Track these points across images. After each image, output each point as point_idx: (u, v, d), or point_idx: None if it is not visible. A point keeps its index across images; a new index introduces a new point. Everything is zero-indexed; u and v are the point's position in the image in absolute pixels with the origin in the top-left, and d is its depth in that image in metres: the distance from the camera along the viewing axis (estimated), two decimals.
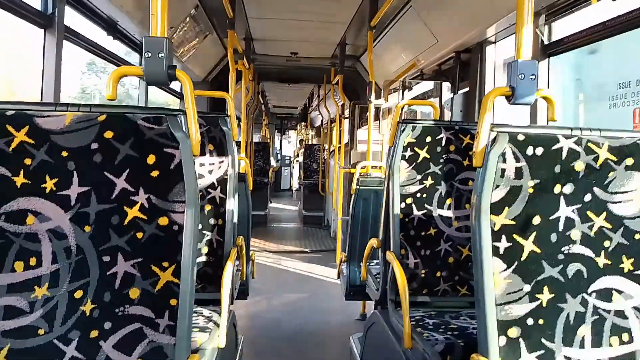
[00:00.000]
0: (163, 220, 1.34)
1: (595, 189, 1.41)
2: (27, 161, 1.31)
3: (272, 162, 14.84)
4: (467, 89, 4.31)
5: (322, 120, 11.16)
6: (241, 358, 3.01)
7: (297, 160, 14.14)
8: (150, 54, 1.36)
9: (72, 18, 3.19)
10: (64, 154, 1.33)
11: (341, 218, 5.69)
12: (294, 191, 15.62)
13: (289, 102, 14.14)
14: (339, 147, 6.92)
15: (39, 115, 1.33)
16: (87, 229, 1.32)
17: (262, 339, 3.90)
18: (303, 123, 16.27)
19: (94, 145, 1.33)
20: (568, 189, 1.40)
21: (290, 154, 18.36)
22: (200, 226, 2.35)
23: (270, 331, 4.09)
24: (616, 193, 1.42)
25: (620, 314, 1.40)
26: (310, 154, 11.18)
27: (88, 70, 9.80)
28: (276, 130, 18.31)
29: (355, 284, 3.40)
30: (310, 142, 14.20)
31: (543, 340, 1.35)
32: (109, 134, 1.33)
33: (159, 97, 6.67)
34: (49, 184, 1.32)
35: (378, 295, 2.59)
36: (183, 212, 1.34)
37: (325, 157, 9.91)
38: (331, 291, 5.17)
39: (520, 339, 1.34)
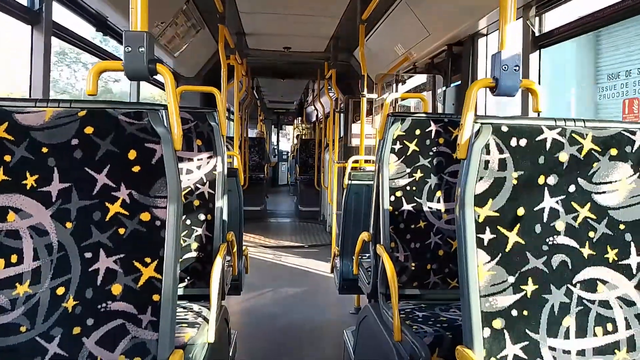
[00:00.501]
0: (145, 216, 1.33)
1: (580, 180, 1.41)
2: (7, 158, 1.30)
3: (271, 157, 14.84)
4: (459, 82, 4.30)
5: (317, 115, 11.15)
6: (234, 353, 3.02)
7: (293, 156, 14.13)
8: (130, 49, 1.35)
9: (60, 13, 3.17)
10: (44, 150, 1.32)
11: (336, 212, 5.69)
12: (290, 186, 15.62)
13: (284, 97, 14.11)
14: (334, 141, 6.91)
15: (19, 111, 1.32)
16: (69, 225, 1.32)
17: (256, 334, 3.90)
18: (299, 118, 16.26)
19: (75, 141, 1.32)
20: (552, 180, 1.39)
21: (287, 149, 18.35)
22: (188, 222, 2.35)
23: (265, 326, 4.09)
24: (600, 183, 1.41)
25: (605, 304, 1.40)
26: (306, 148, 11.17)
27: (59, 61, 8.86)
28: (272, 126, 18.29)
29: (349, 278, 3.40)
30: (307, 137, 14.19)
31: (527, 331, 1.35)
32: (89, 130, 1.32)
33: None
34: (30, 181, 1.31)
35: (369, 289, 2.59)
36: (165, 208, 1.33)
37: (321, 152, 9.91)
38: (326, 285, 5.17)
39: (505, 330, 1.34)
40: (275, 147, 18.16)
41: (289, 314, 4.41)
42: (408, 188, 2.35)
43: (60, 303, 1.30)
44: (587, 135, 1.40)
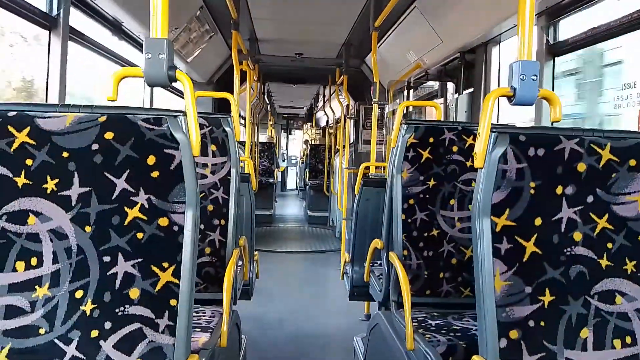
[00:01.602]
0: (163, 221, 1.34)
1: (598, 190, 1.40)
2: (28, 162, 1.32)
3: (280, 162, 14.87)
4: (471, 90, 4.30)
5: (327, 121, 11.17)
6: (245, 358, 3.02)
7: (303, 161, 14.17)
8: (150, 55, 1.36)
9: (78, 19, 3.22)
10: (65, 154, 1.33)
11: (345, 219, 5.68)
12: (299, 191, 15.66)
13: (294, 103, 14.15)
14: (344, 147, 6.92)
15: (40, 116, 1.33)
16: (88, 229, 1.33)
17: (265, 340, 3.90)
18: (309, 123, 16.29)
19: (95, 146, 1.34)
20: (570, 190, 1.39)
21: (297, 154, 18.39)
22: (202, 226, 2.36)
23: (274, 332, 4.09)
24: (619, 194, 1.40)
25: (624, 316, 1.39)
26: (316, 154, 11.19)
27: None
28: (282, 131, 18.33)
29: (359, 285, 3.39)
30: (316, 143, 14.22)
31: (544, 343, 1.34)
32: (109, 135, 1.34)
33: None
34: (50, 185, 1.33)
35: (381, 297, 2.59)
36: (183, 213, 1.34)
37: (330, 158, 9.92)
38: (336, 292, 5.16)
39: (521, 341, 1.33)
40: (285, 151, 18.21)
41: (298, 320, 4.40)
42: (421, 196, 2.35)
43: (79, 306, 1.31)
44: (605, 145, 1.40)
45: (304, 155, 14.00)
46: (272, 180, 10.15)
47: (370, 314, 4.36)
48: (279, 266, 6.36)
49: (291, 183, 17.76)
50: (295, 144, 19.57)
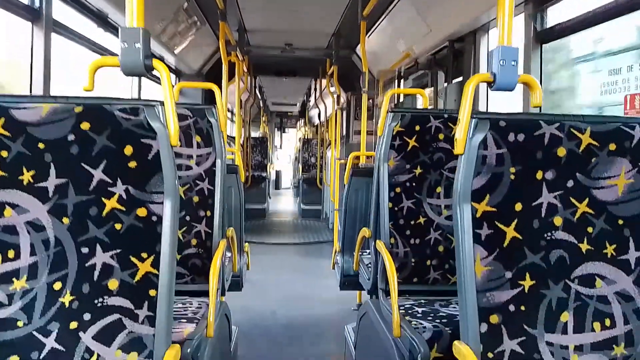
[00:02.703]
0: (142, 211, 1.33)
1: (578, 175, 1.40)
2: (4, 153, 1.31)
3: (274, 159, 14.85)
4: (461, 78, 4.29)
5: (319, 116, 11.15)
6: (236, 349, 3.02)
7: (296, 157, 14.16)
8: (126, 45, 1.35)
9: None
10: (41, 145, 1.32)
11: (337, 209, 5.69)
12: (293, 188, 15.68)
13: (287, 99, 14.11)
14: (336, 138, 6.91)
15: (15, 107, 1.32)
16: (66, 220, 1.32)
17: (257, 330, 3.91)
18: (302, 120, 16.25)
19: (71, 137, 1.32)
20: (550, 175, 1.39)
21: (290, 152, 18.37)
22: (188, 218, 2.35)
23: (266, 322, 4.10)
24: (599, 179, 1.40)
25: (603, 299, 1.39)
26: (308, 147, 11.20)
27: None
28: (276, 129, 18.29)
29: (349, 274, 3.39)
30: (309, 137, 14.23)
31: (525, 327, 1.35)
32: (85, 125, 1.32)
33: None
34: (26, 176, 1.31)
35: (370, 285, 2.59)
36: (162, 203, 1.33)
37: (323, 150, 9.92)
38: (328, 282, 5.17)
39: (502, 326, 1.33)
40: (279, 149, 18.18)
41: (290, 311, 4.41)
42: (408, 184, 2.35)
43: (57, 298, 1.30)
44: (585, 130, 1.39)
45: (297, 152, 14.01)
46: (264, 174, 10.14)
47: (362, 303, 4.38)
48: (272, 257, 6.37)
49: (286, 182, 17.77)
50: (289, 143, 19.56)
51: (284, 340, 3.77)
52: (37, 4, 2.82)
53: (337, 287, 3.79)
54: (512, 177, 1.37)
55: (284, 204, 12.93)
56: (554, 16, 3.15)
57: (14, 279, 1.30)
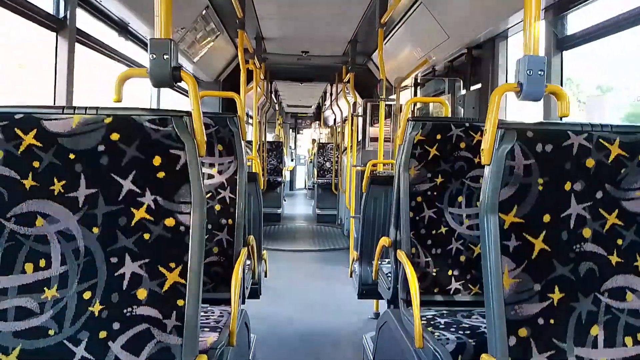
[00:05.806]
0: (169, 221, 1.34)
1: (607, 186, 1.38)
2: (36, 164, 1.33)
3: (288, 161, 14.89)
4: (479, 86, 4.27)
5: (334, 119, 11.15)
6: (254, 357, 3.03)
7: (311, 160, 14.18)
8: (155, 56, 1.36)
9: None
10: (71, 156, 1.34)
11: (353, 217, 5.67)
12: (307, 190, 15.69)
13: (302, 101, 14.16)
14: (352, 145, 6.90)
15: (47, 118, 1.34)
16: (95, 230, 1.33)
17: (275, 338, 3.90)
18: (317, 122, 16.28)
19: (101, 148, 1.34)
20: (579, 186, 1.37)
21: (305, 153, 18.40)
22: (210, 226, 2.36)
23: (283, 330, 4.10)
24: (628, 190, 1.38)
25: (634, 313, 1.37)
26: (324, 152, 11.19)
27: None
28: (290, 130, 18.34)
29: (368, 283, 3.38)
30: (324, 141, 14.23)
31: (554, 340, 1.33)
32: (115, 136, 1.34)
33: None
34: (57, 187, 1.33)
35: (390, 295, 2.58)
36: (189, 213, 1.34)
37: (338, 156, 9.91)
38: (344, 290, 5.16)
39: (531, 339, 1.32)
40: (293, 150, 18.22)
41: (307, 319, 4.40)
42: (429, 193, 2.33)
43: (87, 307, 1.32)
44: (614, 140, 1.38)
45: (312, 154, 14.01)
46: (280, 179, 10.16)
47: (379, 312, 4.35)
48: (288, 265, 6.37)
49: (300, 182, 17.78)
50: (304, 143, 19.60)
51: (302, 349, 3.76)
52: (62, 13, 2.87)
53: (353, 295, 3.77)
54: (540, 188, 1.35)
55: (299, 207, 12.92)
56: (574, 22, 3.12)
57: (45, 288, 1.32)
